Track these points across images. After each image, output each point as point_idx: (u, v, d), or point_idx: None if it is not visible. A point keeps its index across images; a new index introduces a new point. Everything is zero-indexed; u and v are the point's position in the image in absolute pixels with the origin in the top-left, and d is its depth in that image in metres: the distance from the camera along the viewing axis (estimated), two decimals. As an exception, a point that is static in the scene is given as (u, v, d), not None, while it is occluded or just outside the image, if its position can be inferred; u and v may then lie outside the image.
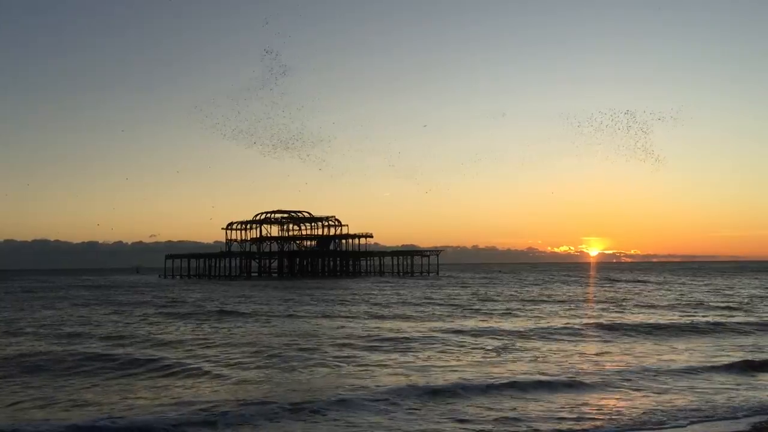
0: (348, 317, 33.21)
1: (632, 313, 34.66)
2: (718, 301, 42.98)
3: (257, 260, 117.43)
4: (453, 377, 16.28)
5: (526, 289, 62.96)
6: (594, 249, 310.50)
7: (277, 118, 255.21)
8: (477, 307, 39.73)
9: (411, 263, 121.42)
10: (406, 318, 32.57)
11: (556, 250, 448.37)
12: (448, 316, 33.79)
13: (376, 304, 41.99)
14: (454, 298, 47.99)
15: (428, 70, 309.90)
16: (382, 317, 33.13)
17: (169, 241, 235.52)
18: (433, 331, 26.31)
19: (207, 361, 19.16)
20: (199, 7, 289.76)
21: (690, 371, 17.30)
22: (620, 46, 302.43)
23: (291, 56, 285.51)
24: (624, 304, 41.73)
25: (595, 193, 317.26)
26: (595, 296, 50.45)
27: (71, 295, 60.66)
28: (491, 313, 35.13)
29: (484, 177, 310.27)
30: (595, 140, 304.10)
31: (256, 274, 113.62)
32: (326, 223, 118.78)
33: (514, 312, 35.87)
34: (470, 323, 29.55)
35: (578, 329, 26.96)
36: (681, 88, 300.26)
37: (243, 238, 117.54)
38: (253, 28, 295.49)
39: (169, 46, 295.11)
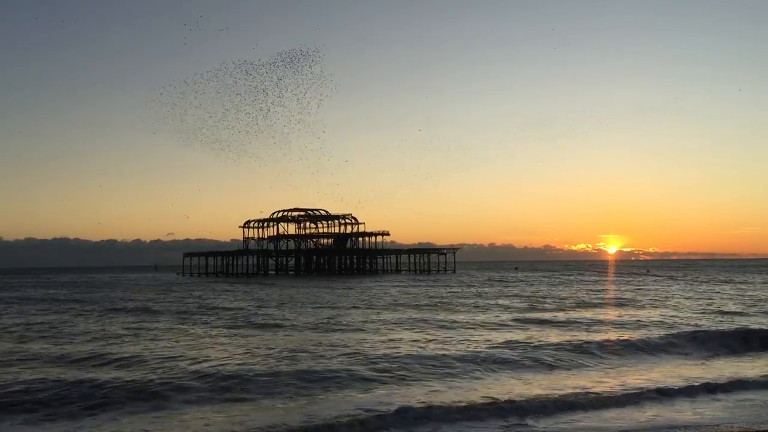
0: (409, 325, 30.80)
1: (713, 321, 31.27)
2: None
3: (274, 258, 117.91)
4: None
5: (575, 287, 60.79)
6: (612, 246, 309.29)
7: (294, 116, 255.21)
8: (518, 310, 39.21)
9: (428, 261, 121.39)
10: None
11: (573, 247, 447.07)
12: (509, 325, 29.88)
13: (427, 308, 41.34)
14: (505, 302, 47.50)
15: (441, 65, 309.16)
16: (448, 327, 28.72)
17: (187, 239, 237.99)
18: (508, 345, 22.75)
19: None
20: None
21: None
22: (634, 40, 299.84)
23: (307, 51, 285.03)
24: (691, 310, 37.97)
25: (612, 191, 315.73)
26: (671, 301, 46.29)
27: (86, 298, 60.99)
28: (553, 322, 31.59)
29: (500, 174, 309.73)
30: (612, 136, 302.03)
31: (273, 272, 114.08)
32: (343, 221, 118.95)
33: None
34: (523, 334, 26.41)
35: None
36: (700, 83, 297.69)
37: (260, 236, 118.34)
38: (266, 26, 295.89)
39: (178, 49, 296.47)
